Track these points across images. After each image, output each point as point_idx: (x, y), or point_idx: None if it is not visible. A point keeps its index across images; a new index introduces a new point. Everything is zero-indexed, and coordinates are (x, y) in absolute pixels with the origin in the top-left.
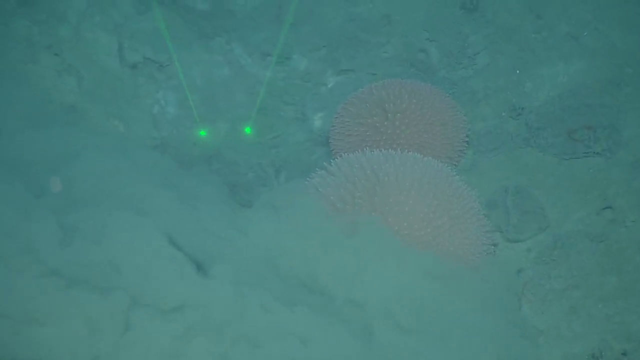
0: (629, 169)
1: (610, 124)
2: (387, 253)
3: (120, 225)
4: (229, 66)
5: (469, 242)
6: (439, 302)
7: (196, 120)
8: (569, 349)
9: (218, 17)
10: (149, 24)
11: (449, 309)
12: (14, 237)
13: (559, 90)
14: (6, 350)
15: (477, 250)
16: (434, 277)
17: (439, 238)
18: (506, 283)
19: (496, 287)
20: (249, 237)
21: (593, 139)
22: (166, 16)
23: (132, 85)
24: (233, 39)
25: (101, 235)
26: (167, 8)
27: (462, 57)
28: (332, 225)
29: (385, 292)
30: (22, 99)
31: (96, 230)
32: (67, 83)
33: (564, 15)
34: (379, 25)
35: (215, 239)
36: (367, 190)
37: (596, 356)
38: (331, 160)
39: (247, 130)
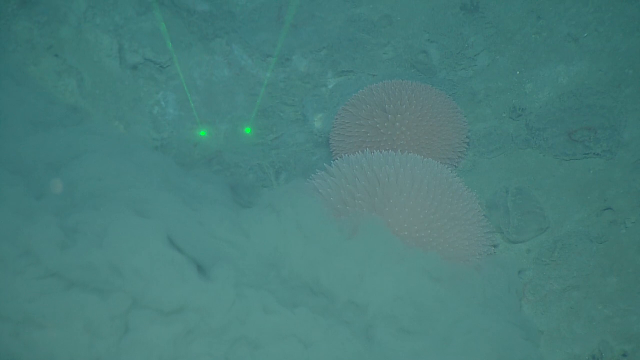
0: (630, 169)
1: (610, 125)
2: (388, 254)
3: (121, 227)
4: (229, 67)
5: (469, 243)
6: (440, 303)
7: (196, 121)
8: (569, 349)
9: (218, 18)
10: (149, 25)
11: (450, 310)
12: (14, 238)
13: (559, 91)
14: (5, 352)
15: (477, 251)
16: (435, 279)
17: (439, 239)
18: (507, 284)
19: (497, 288)
20: (250, 238)
21: (593, 140)
22: (166, 17)
23: (133, 86)
24: (233, 40)
25: (102, 237)
26: (167, 9)
27: (463, 58)
28: (333, 226)
29: (386, 293)
30: (22, 100)
31: (97, 232)
32: (68, 84)
33: (564, 16)
34: (380, 26)
35: (217, 240)
36: (367, 191)
37: (596, 357)
38: (331, 161)
39: (247, 131)
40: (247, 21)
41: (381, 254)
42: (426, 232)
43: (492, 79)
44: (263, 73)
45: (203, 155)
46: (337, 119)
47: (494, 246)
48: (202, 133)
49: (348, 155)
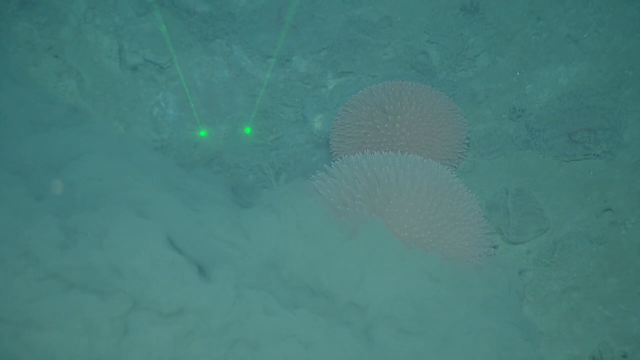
0: (630, 170)
1: (610, 126)
2: (388, 255)
3: (121, 228)
4: (229, 68)
5: (469, 244)
6: (440, 303)
7: (196, 122)
8: (569, 350)
9: (218, 19)
10: (150, 26)
11: (450, 310)
12: (14, 239)
13: (559, 92)
14: (5, 353)
15: (478, 252)
16: (435, 279)
17: (439, 240)
18: (507, 285)
19: (497, 288)
20: (250, 239)
21: (593, 141)
22: (166, 18)
23: (133, 87)
24: (233, 41)
25: (102, 237)
26: (167, 10)
27: (463, 59)
28: (333, 227)
29: (386, 294)
30: (22, 100)
31: (97, 233)
32: (68, 85)
33: (565, 17)
34: (380, 27)
35: (217, 241)
36: (368, 192)
37: (596, 358)
38: (331, 162)
39: (247, 131)
40: (247, 22)
41: (381, 255)
42: (426, 233)
43: (492, 80)
44: (263, 74)
45: (203, 156)
46: (337, 119)
47: (494, 247)
48: (202, 134)
49: (348, 156)
